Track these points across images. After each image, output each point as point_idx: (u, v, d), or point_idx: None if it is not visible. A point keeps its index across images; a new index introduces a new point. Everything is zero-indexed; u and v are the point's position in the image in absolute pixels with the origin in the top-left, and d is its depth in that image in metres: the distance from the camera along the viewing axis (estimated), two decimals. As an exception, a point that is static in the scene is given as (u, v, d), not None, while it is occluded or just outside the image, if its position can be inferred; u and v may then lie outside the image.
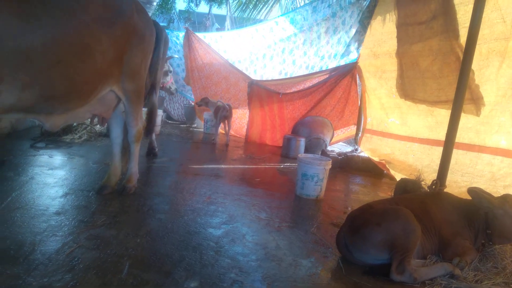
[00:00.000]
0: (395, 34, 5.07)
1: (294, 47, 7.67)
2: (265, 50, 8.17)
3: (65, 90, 2.78)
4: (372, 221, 2.67)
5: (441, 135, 4.05)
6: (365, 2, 5.87)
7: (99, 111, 3.41)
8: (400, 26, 4.99)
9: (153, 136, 5.28)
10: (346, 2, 6.37)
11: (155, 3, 9.20)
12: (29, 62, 2.47)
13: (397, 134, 5.50)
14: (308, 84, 7.07)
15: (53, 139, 5.31)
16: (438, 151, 4.14)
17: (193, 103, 8.93)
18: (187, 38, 8.50)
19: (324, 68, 6.98)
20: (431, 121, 4.81)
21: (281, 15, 7.96)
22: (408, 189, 4.16)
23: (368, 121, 6.39)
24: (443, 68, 4.46)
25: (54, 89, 2.70)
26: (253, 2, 13.91)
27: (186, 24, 14.61)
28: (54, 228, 2.79)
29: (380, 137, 5.99)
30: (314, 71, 7.18)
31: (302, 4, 12.75)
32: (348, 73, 6.61)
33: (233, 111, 7.54)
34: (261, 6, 13.84)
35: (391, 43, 5.26)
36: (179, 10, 15.57)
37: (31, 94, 2.58)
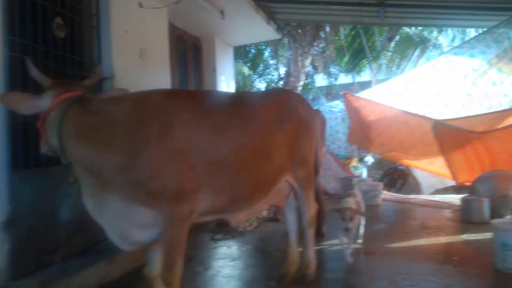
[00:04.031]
0: None
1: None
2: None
3: (250, 189, 3.03)
4: None
5: None
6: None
7: (275, 201, 3.59)
8: None
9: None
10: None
11: (299, 88, 9.81)
12: (221, 170, 2.79)
13: None
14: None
15: (228, 229, 5.73)
16: None
17: (346, 174, 8.83)
18: (347, 101, 8.68)
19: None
20: None
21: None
22: None
23: None
24: None
25: (241, 190, 2.97)
26: (396, 62, 13.83)
27: (329, 98, 15.15)
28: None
29: None
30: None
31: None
32: None
33: (420, 158, 7.09)
34: (404, 65, 13.65)
35: None
36: (320, 86, 16.35)
37: (223, 197, 2.87)
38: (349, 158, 9.83)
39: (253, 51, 16.31)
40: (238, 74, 13.50)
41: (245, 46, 14.25)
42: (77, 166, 2.63)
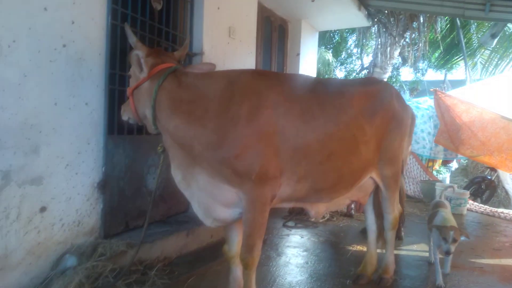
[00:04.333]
0: None
1: None
2: None
3: (333, 181, 2.89)
4: None
5: None
6: None
7: (357, 197, 3.41)
8: None
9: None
10: None
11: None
12: (305, 157, 2.68)
13: None
14: None
15: (300, 218, 5.63)
16: None
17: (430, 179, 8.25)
18: (438, 98, 8.13)
19: None
20: None
21: None
22: None
23: None
24: None
25: (324, 181, 2.84)
26: (494, 63, 12.59)
27: (415, 93, 14.27)
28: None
29: None
30: None
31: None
32: None
33: None
34: (504, 65, 12.38)
35: None
36: (404, 81, 15.47)
37: (305, 186, 2.77)
38: (432, 160, 9.18)
39: (337, 37, 15.79)
40: (319, 60, 13.18)
41: (330, 32, 13.81)
42: (168, 138, 2.66)
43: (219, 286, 3.16)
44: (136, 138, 3.75)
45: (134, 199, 3.67)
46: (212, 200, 2.63)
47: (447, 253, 3.33)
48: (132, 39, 2.71)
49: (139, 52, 2.66)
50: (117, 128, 3.55)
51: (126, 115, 2.88)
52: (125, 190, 3.59)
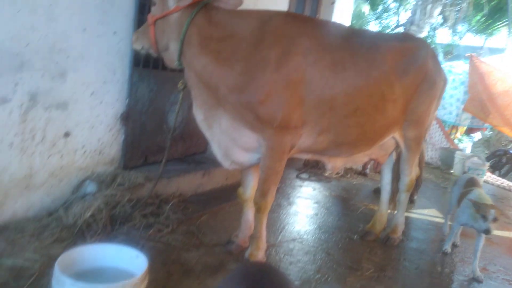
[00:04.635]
0: None
1: None
2: None
3: (356, 137, 2.85)
4: None
5: None
6: None
7: (376, 156, 3.38)
8: None
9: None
10: None
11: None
12: (330, 110, 2.63)
13: None
14: None
15: (314, 171, 5.67)
16: None
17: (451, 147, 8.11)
18: (473, 64, 7.82)
19: None
20: None
21: None
22: None
23: None
24: None
25: (346, 136, 2.80)
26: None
27: (448, 57, 13.64)
28: (326, 270, 2.85)
29: None
30: None
31: None
32: None
33: None
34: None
35: None
36: (439, 43, 14.74)
37: (326, 139, 2.74)
38: (455, 127, 8.98)
39: (376, -12, 14.97)
40: (353, 12, 12.57)
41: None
42: (192, 75, 2.58)
43: (230, 226, 3.26)
44: (160, 73, 3.71)
45: (155, 135, 3.71)
46: (232, 143, 2.64)
47: (487, 232, 2.99)
48: None
49: None
50: (143, 61, 3.51)
51: (140, 43, 2.73)
52: (146, 125, 3.63)
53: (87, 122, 3.11)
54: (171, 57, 2.63)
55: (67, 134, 2.98)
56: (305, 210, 4.12)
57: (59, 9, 2.72)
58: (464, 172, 6.00)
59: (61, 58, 2.81)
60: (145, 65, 3.57)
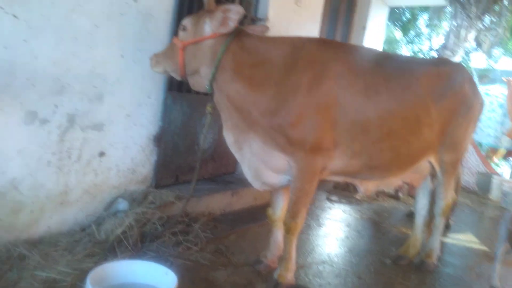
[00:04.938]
0: None
1: None
2: None
3: (389, 160, 2.83)
4: None
5: None
6: None
7: (410, 179, 3.31)
8: None
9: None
10: None
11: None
12: (363, 133, 2.63)
13: None
14: None
15: (344, 193, 5.59)
16: None
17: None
18: (511, 89, 7.64)
19: None
20: None
21: None
22: None
23: None
24: None
25: (379, 159, 2.78)
26: None
27: (484, 81, 13.31)
28: (357, 293, 2.78)
29: None
30: None
31: None
32: None
33: None
34: None
35: None
36: (474, 68, 14.45)
37: (358, 162, 2.72)
38: (494, 149, 8.65)
39: (407, 14, 14.92)
40: (386, 36, 12.57)
41: (401, 8, 13.05)
42: (224, 99, 2.62)
43: (258, 246, 3.25)
44: (193, 97, 3.84)
45: (186, 155, 3.81)
46: (263, 165, 2.66)
47: None
48: None
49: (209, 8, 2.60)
50: (176, 85, 3.65)
51: (161, 67, 2.75)
52: (179, 146, 3.73)
53: (122, 143, 3.24)
54: (199, 81, 2.69)
55: (102, 154, 3.10)
56: (335, 232, 4.05)
57: (99, 37, 2.90)
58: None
59: (99, 83, 2.97)
60: (179, 89, 3.71)
